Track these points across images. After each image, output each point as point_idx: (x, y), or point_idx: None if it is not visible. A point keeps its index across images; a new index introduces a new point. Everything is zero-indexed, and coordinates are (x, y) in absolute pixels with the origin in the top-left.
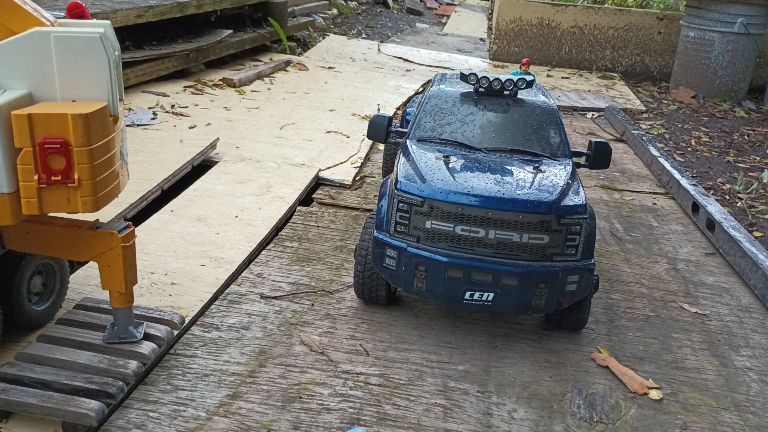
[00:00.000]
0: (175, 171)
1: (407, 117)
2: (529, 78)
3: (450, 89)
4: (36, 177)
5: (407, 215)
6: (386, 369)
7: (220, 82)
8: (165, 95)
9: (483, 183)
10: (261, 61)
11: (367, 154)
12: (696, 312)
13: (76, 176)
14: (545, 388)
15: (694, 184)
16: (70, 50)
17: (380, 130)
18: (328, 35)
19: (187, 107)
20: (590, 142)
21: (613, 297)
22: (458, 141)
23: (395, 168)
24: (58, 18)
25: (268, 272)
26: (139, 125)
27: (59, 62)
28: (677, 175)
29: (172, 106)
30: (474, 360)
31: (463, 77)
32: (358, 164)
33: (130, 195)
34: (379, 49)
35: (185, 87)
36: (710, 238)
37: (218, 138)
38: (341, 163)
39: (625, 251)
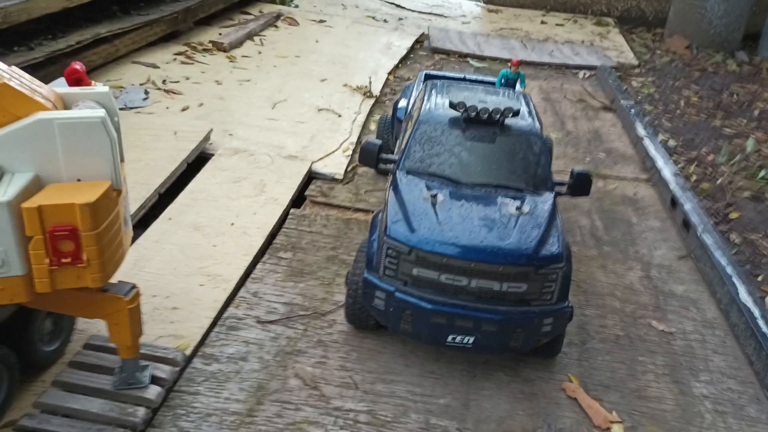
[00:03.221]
0: (172, 172)
1: (398, 115)
2: (518, 91)
3: (440, 113)
4: (47, 260)
5: (396, 261)
6: (374, 404)
7: (210, 46)
8: (155, 66)
9: (467, 232)
10: (250, 13)
11: (359, 137)
12: (663, 330)
13: (85, 257)
14: (518, 423)
15: (676, 174)
16: (73, 135)
17: (371, 156)
18: None
19: (178, 82)
20: (572, 171)
21: (587, 313)
22: (446, 175)
23: (386, 205)
24: (57, 86)
25: (264, 291)
26: (131, 108)
27: (63, 146)
28: (660, 163)
29: (164, 82)
30: (455, 392)
31: (452, 105)
32: (350, 152)
33: (131, 205)
34: None
35: (175, 55)
36: (685, 239)
37: (212, 129)
38: (333, 152)
39: (603, 255)
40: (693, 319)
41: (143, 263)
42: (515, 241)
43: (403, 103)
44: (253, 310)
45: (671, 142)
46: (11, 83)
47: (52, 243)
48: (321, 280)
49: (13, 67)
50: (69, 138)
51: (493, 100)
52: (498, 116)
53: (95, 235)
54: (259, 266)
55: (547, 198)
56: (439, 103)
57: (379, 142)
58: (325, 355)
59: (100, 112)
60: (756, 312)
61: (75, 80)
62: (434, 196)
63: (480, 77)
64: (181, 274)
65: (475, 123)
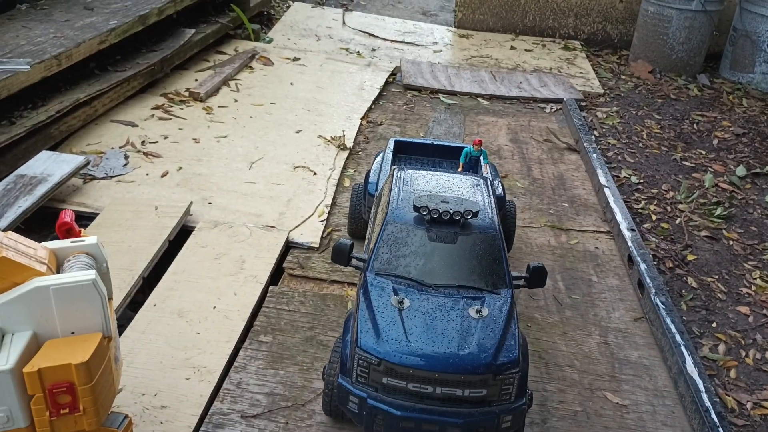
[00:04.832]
0: (154, 255)
1: (369, 189)
2: (482, 174)
3: (405, 213)
4: (47, 413)
5: (367, 370)
6: None
7: (186, 95)
8: (134, 125)
9: (431, 343)
10: (225, 53)
11: (333, 198)
12: (617, 402)
13: (81, 406)
14: None
15: (632, 229)
16: (67, 297)
17: (343, 255)
18: (291, 4)
19: (156, 142)
20: (528, 265)
21: (548, 388)
22: (411, 276)
23: (356, 309)
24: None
25: (246, 380)
26: (113, 176)
27: (58, 307)
28: (619, 216)
29: (143, 143)
30: None
31: (416, 209)
32: (325, 216)
33: (116, 293)
34: (344, 22)
35: (153, 110)
36: (640, 299)
37: (192, 202)
38: (309, 217)
39: (564, 322)
40: (645, 388)
41: (132, 357)
42: (475, 351)
43: (373, 177)
44: (237, 404)
45: (634, 179)
46: (9, 254)
47: (52, 398)
48: (300, 365)
49: (9, 233)
50: (63, 300)
51: (455, 200)
52: (459, 218)
53: (90, 388)
54: (241, 353)
55: (505, 296)
56: (404, 199)
57: (349, 242)
58: None
59: (91, 274)
60: (700, 385)
61: (65, 231)
62: (401, 302)
63: (447, 143)
64: (168, 367)
65: (438, 223)
